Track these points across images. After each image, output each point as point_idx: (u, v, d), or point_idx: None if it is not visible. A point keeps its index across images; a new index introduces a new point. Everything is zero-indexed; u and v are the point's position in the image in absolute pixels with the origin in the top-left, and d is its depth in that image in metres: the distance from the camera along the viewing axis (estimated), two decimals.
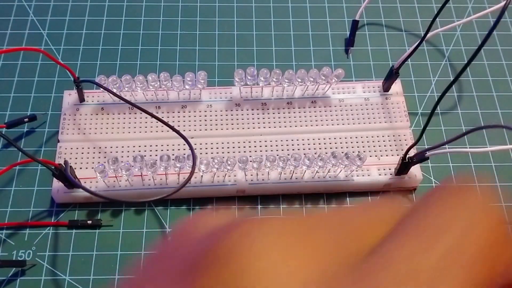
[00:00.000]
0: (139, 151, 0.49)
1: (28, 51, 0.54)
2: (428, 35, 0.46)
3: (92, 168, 0.47)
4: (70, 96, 0.51)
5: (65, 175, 0.40)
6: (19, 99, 0.53)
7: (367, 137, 0.50)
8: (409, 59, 0.48)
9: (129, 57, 0.56)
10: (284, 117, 0.51)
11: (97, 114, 0.50)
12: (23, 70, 0.54)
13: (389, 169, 0.48)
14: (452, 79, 0.39)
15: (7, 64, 0.55)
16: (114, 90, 0.48)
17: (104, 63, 0.54)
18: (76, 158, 0.48)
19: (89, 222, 0.47)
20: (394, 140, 0.50)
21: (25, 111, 0.52)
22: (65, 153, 0.48)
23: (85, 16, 0.58)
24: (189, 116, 0.50)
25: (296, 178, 0.48)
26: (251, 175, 0.48)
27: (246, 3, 0.60)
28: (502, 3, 0.36)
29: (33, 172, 0.49)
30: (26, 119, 0.50)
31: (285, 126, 0.50)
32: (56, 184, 0.47)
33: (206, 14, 0.59)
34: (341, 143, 0.50)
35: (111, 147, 0.49)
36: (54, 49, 0.56)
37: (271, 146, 0.49)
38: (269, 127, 0.50)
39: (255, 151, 0.49)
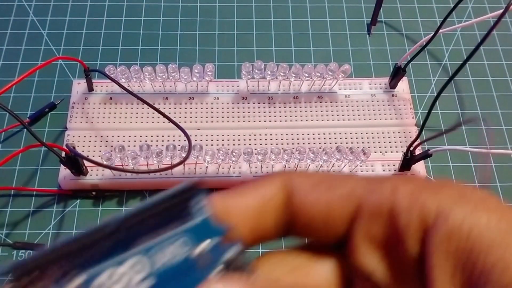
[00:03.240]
0: (146, 141, 0.49)
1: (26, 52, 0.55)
2: (428, 35, 0.46)
3: (99, 156, 0.47)
4: (79, 85, 0.51)
5: (75, 153, 0.41)
6: (19, 99, 0.53)
7: (372, 133, 0.50)
8: (408, 58, 0.49)
9: (129, 57, 0.56)
10: (290, 112, 0.51)
11: (105, 104, 0.51)
12: (23, 70, 0.54)
13: (394, 165, 0.49)
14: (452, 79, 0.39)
15: (7, 64, 0.55)
16: (123, 80, 0.49)
17: (104, 63, 0.54)
18: (84, 146, 0.49)
19: (94, 193, 0.48)
20: (400, 137, 0.50)
21: (25, 111, 0.52)
22: (73, 141, 0.49)
23: (85, 16, 0.58)
24: (196, 108, 0.51)
25: None
26: (256, 167, 0.48)
27: (246, 3, 0.61)
28: (500, 11, 0.36)
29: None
30: (47, 110, 0.52)
31: (291, 121, 0.51)
32: (63, 171, 0.47)
33: (206, 14, 0.60)
34: (346, 138, 0.50)
35: (118, 136, 0.49)
36: (54, 49, 0.56)
37: (277, 139, 0.50)
38: (275, 121, 0.51)
39: (261, 144, 0.49)
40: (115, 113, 0.50)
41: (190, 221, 0.19)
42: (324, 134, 0.50)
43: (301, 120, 0.51)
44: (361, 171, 0.48)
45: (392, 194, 0.19)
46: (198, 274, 0.18)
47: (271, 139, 0.50)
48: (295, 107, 0.51)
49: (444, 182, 0.20)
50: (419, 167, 0.48)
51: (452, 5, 0.46)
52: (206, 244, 0.18)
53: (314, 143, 0.50)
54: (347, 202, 0.20)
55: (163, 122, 0.49)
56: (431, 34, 0.46)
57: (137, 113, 0.50)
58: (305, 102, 0.51)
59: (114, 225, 0.18)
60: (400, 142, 0.50)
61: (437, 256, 0.18)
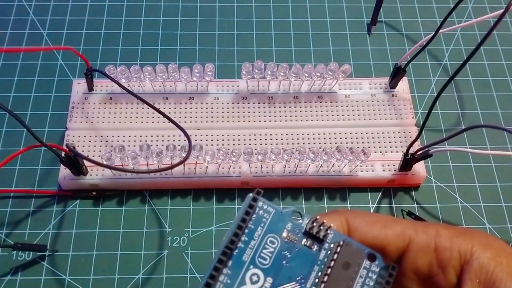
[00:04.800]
0: (146, 140, 0.49)
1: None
2: (428, 35, 0.46)
3: (99, 156, 0.48)
4: (79, 85, 0.51)
5: (75, 153, 0.41)
6: (19, 99, 0.53)
7: (372, 133, 0.50)
8: (408, 58, 0.49)
9: (129, 57, 0.56)
10: (290, 111, 0.51)
11: (105, 104, 0.51)
12: (23, 70, 0.54)
13: (394, 165, 0.49)
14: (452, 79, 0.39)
15: (7, 64, 0.55)
16: (123, 80, 0.49)
17: (104, 63, 0.54)
18: (84, 146, 0.49)
19: (94, 193, 0.49)
20: (400, 137, 0.50)
21: (25, 111, 0.52)
22: (73, 141, 0.49)
23: (85, 16, 0.58)
24: (196, 108, 0.51)
25: (300, 172, 0.48)
26: (256, 167, 0.48)
27: (246, 3, 0.61)
28: (500, 11, 0.36)
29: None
30: None
31: (291, 120, 0.51)
32: (63, 171, 0.47)
33: (206, 14, 0.60)
34: (346, 138, 0.50)
35: (118, 136, 0.49)
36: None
37: (277, 139, 0.50)
38: (275, 121, 0.51)
39: (261, 144, 0.49)
40: (115, 113, 0.50)
41: (266, 223, 0.26)
42: (324, 134, 0.50)
43: (301, 120, 0.51)
44: (361, 171, 0.48)
45: (436, 236, 0.27)
46: (295, 248, 0.26)
47: (271, 139, 0.50)
48: (295, 107, 0.51)
49: (473, 231, 0.28)
50: (419, 167, 0.48)
51: (452, 5, 0.46)
52: (287, 227, 0.26)
53: (314, 143, 0.50)
54: (400, 239, 0.28)
55: (163, 122, 0.50)
56: (431, 34, 0.46)
57: (137, 113, 0.50)
58: (305, 102, 0.51)
59: (220, 258, 0.24)
60: (400, 142, 0.50)
61: (471, 283, 0.26)
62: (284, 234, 0.26)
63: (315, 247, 0.26)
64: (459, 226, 0.48)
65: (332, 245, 0.26)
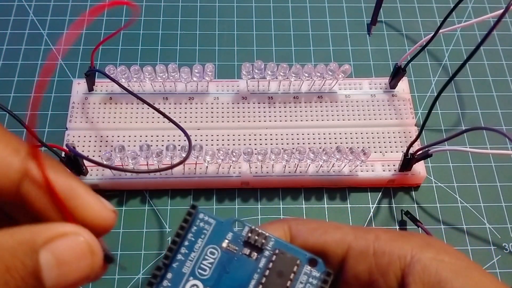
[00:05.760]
0: (146, 141, 0.49)
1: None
2: (428, 35, 0.46)
3: (99, 156, 0.47)
4: (79, 85, 0.51)
5: (75, 153, 0.41)
6: (19, 99, 0.53)
7: (372, 133, 0.50)
8: (408, 58, 0.49)
9: (129, 57, 0.56)
10: (290, 111, 0.51)
11: (105, 104, 0.51)
12: (23, 70, 0.54)
13: (393, 165, 0.49)
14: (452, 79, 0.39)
15: (7, 64, 0.55)
16: (123, 80, 0.49)
17: (104, 63, 0.54)
18: (84, 146, 0.49)
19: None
20: (400, 137, 0.50)
21: (25, 111, 0.52)
22: (73, 141, 0.49)
23: (85, 16, 0.58)
24: (196, 108, 0.51)
25: (300, 172, 0.48)
26: (256, 167, 0.48)
27: (246, 3, 0.61)
28: (500, 11, 0.36)
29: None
30: None
31: (291, 120, 0.51)
32: None
33: (206, 14, 0.60)
34: (346, 138, 0.50)
35: (118, 136, 0.49)
36: (54, 49, 0.56)
37: (277, 139, 0.50)
38: (275, 121, 0.51)
39: (261, 144, 0.49)
40: (115, 113, 0.50)
41: (206, 234, 0.26)
42: (324, 134, 0.50)
43: (301, 120, 0.51)
44: (361, 171, 0.48)
45: (375, 240, 0.27)
46: (235, 258, 0.26)
47: (271, 139, 0.50)
48: (295, 107, 0.51)
49: (412, 233, 0.29)
50: (419, 167, 0.48)
51: (452, 5, 0.46)
52: (227, 238, 0.26)
53: (314, 143, 0.50)
54: (339, 245, 0.27)
55: (163, 122, 0.49)
56: (431, 34, 0.46)
57: (137, 113, 0.50)
58: (305, 102, 0.51)
59: (154, 273, 0.25)
60: (400, 142, 0.50)
61: (415, 286, 0.25)
62: (224, 244, 0.26)
63: (255, 256, 0.26)
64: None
65: (272, 253, 0.26)
